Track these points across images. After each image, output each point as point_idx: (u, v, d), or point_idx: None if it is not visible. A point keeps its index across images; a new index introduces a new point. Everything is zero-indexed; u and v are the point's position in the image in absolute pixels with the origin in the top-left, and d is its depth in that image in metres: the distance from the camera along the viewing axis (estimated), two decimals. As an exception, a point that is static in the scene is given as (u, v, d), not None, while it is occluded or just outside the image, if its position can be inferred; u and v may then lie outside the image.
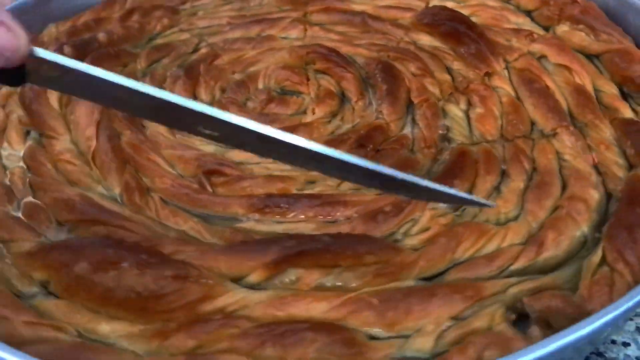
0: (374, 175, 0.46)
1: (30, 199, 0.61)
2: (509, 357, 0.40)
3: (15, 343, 0.44)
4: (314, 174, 0.64)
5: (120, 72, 0.77)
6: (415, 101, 0.74)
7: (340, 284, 0.52)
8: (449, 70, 0.81)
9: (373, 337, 0.48)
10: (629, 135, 0.66)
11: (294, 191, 0.62)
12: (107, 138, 0.66)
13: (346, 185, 0.64)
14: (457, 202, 0.58)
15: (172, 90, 0.76)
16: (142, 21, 0.89)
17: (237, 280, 0.53)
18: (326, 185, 0.63)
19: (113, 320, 0.49)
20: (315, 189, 0.63)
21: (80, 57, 0.77)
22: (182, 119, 0.46)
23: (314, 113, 0.74)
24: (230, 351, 0.46)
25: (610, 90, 0.75)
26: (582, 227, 0.57)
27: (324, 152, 0.45)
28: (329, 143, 0.67)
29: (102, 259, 0.50)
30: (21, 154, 0.68)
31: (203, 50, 0.86)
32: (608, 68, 0.78)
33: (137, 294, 0.48)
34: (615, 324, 0.48)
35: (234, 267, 0.52)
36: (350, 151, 0.66)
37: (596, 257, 0.54)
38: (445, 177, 0.63)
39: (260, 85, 0.80)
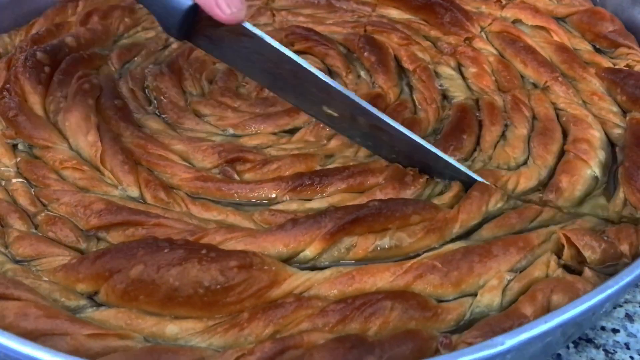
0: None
1: (46, 212, 0.57)
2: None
3: (85, 357, 0.41)
4: (329, 148, 0.66)
5: (96, 75, 0.74)
6: (410, 68, 0.76)
7: (396, 243, 0.53)
8: (428, 39, 0.83)
9: (440, 301, 0.49)
10: (618, 83, 0.70)
11: (318, 167, 0.62)
12: (112, 140, 0.63)
13: (362, 154, 0.65)
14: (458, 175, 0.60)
15: (157, 86, 0.74)
16: (104, 23, 0.85)
17: (294, 257, 0.53)
18: (344, 157, 0.64)
19: (179, 320, 0.47)
20: (336, 162, 0.63)
21: (54, 62, 0.74)
22: (315, 95, 0.57)
23: (309, 92, 0.73)
24: (312, 330, 0.45)
25: (585, 47, 0.80)
26: (591, 166, 0.61)
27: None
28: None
29: (160, 259, 0.48)
30: (15, 168, 0.63)
31: (174, 46, 0.84)
32: (578, 28, 0.83)
33: (205, 289, 0.47)
34: (602, 308, 0.49)
35: (291, 244, 0.52)
36: None
37: (618, 200, 0.58)
38: (453, 133, 0.66)
39: (244, 71, 0.79)
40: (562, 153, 0.63)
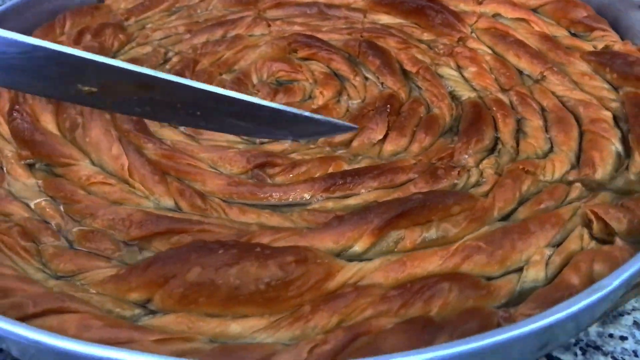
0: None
1: (80, 227, 0.57)
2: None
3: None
4: (353, 147, 0.68)
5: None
6: (413, 70, 0.78)
7: (442, 234, 0.54)
8: (422, 42, 0.86)
9: (488, 279, 0.51)
10: (606, 63, 0.75)
11: (346, 167, 0.63)
12: (137, 152, 0.63)
13: (386, 152, 0.67)
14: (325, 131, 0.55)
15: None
16: (98, 40, 0.85)
17: (342, 253, 0.54)
18: (369, 157, 0.66)
19: (240, 319, 0.48)
20: (362, 162, 0.65)
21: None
22: (61, 74, 0.46)
23: (323, 95, 0.75)
24: (377, 316, 0.46)
25: (563, 34, 0.85)
26: (614, 142, 0.65)
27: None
28: (353, 120, 0.70)
29: (216, 260, 0.48)
30: (37, 188, 0.62)
31: (175, 59, 0.84)
32: (553, 16, 0.88)
33: (266, 285, 0.48)
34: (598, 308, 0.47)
35: (340, 241, 0.53)
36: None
37: (635, 166, 0.61)
38: (473, 126, 0.68)
39: (255, 81, 0.79)
40: (581, 137, 0.67)
